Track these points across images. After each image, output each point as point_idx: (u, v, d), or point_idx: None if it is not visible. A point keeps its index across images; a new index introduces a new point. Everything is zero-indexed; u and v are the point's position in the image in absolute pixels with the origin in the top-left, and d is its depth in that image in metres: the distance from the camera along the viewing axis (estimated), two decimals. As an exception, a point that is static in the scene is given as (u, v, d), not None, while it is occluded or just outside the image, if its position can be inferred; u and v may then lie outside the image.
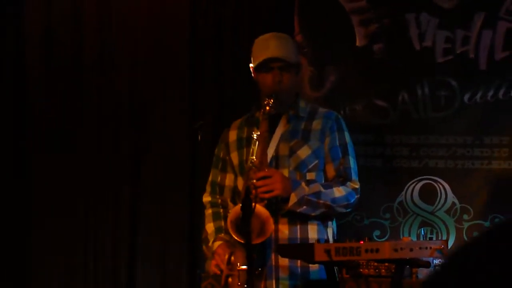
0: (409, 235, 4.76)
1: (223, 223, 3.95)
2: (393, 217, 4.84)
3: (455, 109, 4.83)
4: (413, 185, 4.85)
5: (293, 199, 3.71)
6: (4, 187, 5.25)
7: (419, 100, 4.86)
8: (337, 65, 4.92)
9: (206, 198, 4.09)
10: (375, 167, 4.86)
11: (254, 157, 3.68)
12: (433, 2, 4.85)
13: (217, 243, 3.84)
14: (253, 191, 3.60)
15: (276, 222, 3.73)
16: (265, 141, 3.74)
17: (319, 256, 3.37)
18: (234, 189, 4.02)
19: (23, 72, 5.31)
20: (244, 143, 3.98)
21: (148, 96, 5.23)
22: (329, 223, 3.93)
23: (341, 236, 3.89)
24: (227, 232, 3.79)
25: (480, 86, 4.80)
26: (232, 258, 3.65)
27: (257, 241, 3.57)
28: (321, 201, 3.76)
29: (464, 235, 4.76)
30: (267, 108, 3.73)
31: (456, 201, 4.80)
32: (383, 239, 4.75)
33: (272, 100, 3.73)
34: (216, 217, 4.00)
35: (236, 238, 3.59)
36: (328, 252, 3.37)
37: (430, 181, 4.84)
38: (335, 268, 3.60)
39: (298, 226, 3.82)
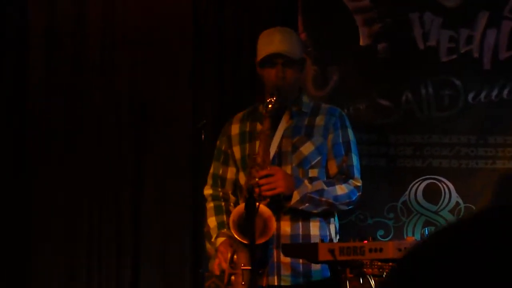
0: (413, 235, 4.75)
1: (225, 218, 3.95)
2: (397, 216, 4.83)
3: (459, 109, 4.83)
4: (417, 184, 4.84)
5: (295, 196, 3.72)
6: (5, 187, 5.24)
7: (423, 100, 4.85)
8: (340, 64, 4.92)
9: (208, 191, 4.08)
10: (379, 166, 4.85)
11: (256, 155, 3.68)
12: (436, 2, 4.84)
13: (220, 239, 3.84)
14: (256, 190, 3.60)
15: (278, 219, 3.74)
16: (267, 139, 3.75)
17: (323, 255, 3.37)
18: (236, 182, 4.02)
19: (24, 72, 5.30)
20: (247, 137, 3.98)
21: (150, 96, 5.23)
22: (331, 219, 3.93)
23: (345, 236, 3.89)
24: (229, 227, 3.79)
25: (484, 85, 4.80)
26: (235, 257, 3.65)
27: (259, 241, 3.57)
28: (323, 199, 3.77)
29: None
30: (270, 106, 3.73)
31: (460, 200, 4.80)
32: (387, 239, 4.74)
33: (274, 98, 3.73)
34: (218, 211, 3.99)
35: (238, 238, 3.59)
36: (332, 251, 3.37)
37: (434, 181, 4.83)
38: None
39: (300, 223, 3.83)
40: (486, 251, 0.95)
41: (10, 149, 5.26)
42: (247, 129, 4.00)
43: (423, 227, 4.81)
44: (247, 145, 3.96)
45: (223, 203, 4.02)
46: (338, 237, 3.95)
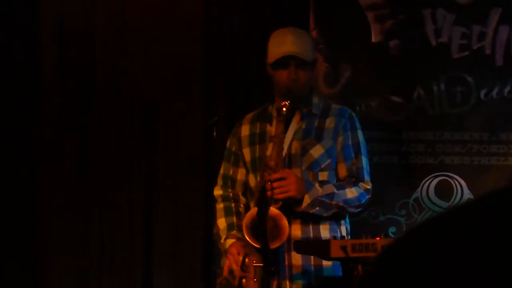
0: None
1: (235, 219, 3.94)
2: (409, 213, 4.83)
3: (471, 105, 4.81)
4: (429, 181, 4.83)
5: (306, 200, 3.71)
6: (16, 185, 5.25)
7: (434, 96, 4.84)
8: (352, 61, 4.91)
9: (218, 192, 4.07)
10: (391, 163, 4.84)
11: (269, 159, 3.67)
12: (449, -2, 4.83)
13: (230, 240, 3.82)
14: (269, 193, 3.59)
15: (288, 223, 3.72)
16: (280, 143, 3.72)
17: (335, 252, 3.37)
18: (246, 184, 4.01)
19: (35, 72, 5.31)
20: (257, 139, 3.96)
21: (161, 94, 5.23)
22: (342, 221, 3.92)
23: (357, 233, 3.89)
24: (239, 229, 3.78)
25: (496, 82, 4.78)
26: (247, 260, 3.64)
27: (273, 245, 3.56)
28: (334, 202, 3.77)
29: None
30: (284, 109, 3.71)
31: (472, 197, 4.79)
32: (399, 236, 4.73)
33: (288, 102, 3.71)
34: (227, 212, 3.98)
35: (252, 242, 3.58)
36: (344, 248, 3.37)
37: (446, 178, 4.82)
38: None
39: (311, 226, 3.82)
40: (478, 239, 0.95)
41: (21, 148, 5.27)
42: (257, 130, 3.98)
43: (435, 224, 4.79)
44: (257, 146, 3.94)
45: (233, 204, 4.00)
46: (349, 237, 3.93)
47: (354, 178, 3.88)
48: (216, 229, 3.97)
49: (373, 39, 4.90)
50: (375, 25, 4.90)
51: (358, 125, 3.96)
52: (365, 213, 4.79)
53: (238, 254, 3.70)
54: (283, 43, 3.84)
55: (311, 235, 3.81)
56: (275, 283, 3.69)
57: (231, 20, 5.18)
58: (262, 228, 3.42)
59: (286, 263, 3.76)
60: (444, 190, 4.80)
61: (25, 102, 5.29)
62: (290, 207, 3.73)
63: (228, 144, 4.10)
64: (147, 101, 5.24)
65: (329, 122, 3.91)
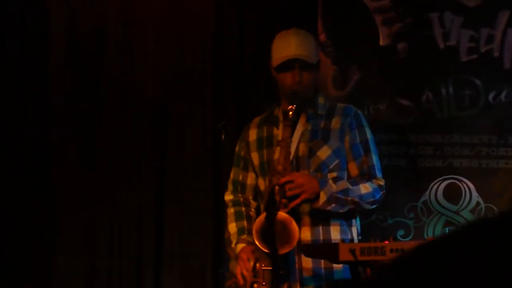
0: (433, 235, 4.75)
1: (245, 223, 3.93)
2: (417, 216, 4.83)
3: (480, 108, 4.82)
4: (437, 184, 4.83)
5: (322, 197, 3.68)
6: (28, 187, 5.27)
7: (443, 99, 4.84)
8: (360, 64, 4.91)
9: (228, 197, 4.07)
10: (399, 166, 4.84)
11: (277, 163, 3.66)
12: (457, 1, 4.83)
13: (240, 245, 3.81)
14: (277, 197, 3.58)
15: (298, 224, 3.71)
16: (287, 147, 3.71)
17: (344, 255, 3.37)
18: (256, 188, 4.01)
19: (46, 71, 5.33)
20: (265, 143, 3.95)
21: (171, 95, 5.24)
22: (353, 221, 3.89)
23: (366, 236, 3.88)
24: (250, 233, 3.77)
25: (504, 85, 4.79)
26: (257, 265, 3.63)
27: (283, 250, 3.55)
28: (349, 198, 3.73)
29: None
30: (290, 114, 3.69)
31: (481, 200, 4.79)
32: (407, 239, 4.73)
33: (295, 106, 3.70)
34: (238, 216, 3.98)
35: (262, 248, 3.57)
36: (353, 252, 3.37)
37: (454, 181, 4.82)
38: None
39: (321, 228, 3.79)
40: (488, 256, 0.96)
41: (33, 149, 5.29)
42: (264, 134, 3.97)
43: (444, 227, 4.80)
44: (265, 151, 3.93)
45: (243, 209, 4.00)
46: (360, 238, 3.92)
47: (367, 176, 3.85)
48: (227, 234, 3.96)
49: (381, 42, 4.91)
50: (383, 28, 4.90)
51: (364, 122, 3.93)
52: (374, 216, 4.79)
53: (248, 259, 3.69)
54: (287, 46, 3.82)
55: (321, 238, 3.79)
56: (285, 286, 3.68)
57: (241, 23, 5.19)
58: (271, 232, 3.42)
59: (297, 266, 3.75)
60: (452, 193, 4.81)
61: (34, 102, 5.30)
62: (300, 210, 3.72)
63: (237, 149, 4.10)
64: (156, 102, 5.25)
65: (335, 122, 3.88)
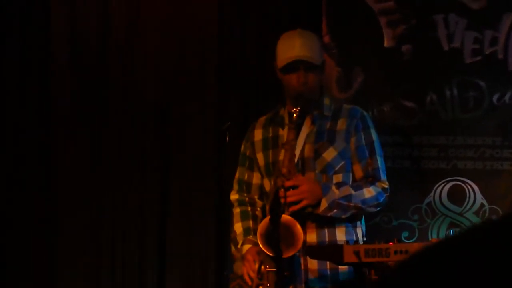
0: (438, 237, 4.74)
1: (251, 223, 3.93)
2: (422, 218, 4.83)
3: (484, 110, 4.82)
4: (442, 186, 4.83)
5: (323, 204, 3.68)
6: (28, 187, 5.28)
7: (447, 101, 4.84)
8: (364, 66, 4.91)
9: (234, 196, 4.07)
10: (403, 168, 4.84)
11: (281, 166, 3.66)
12: (461, 3, 4.83)
13: (246, 246, 3.81)
14: (282, 200, 3.57)
15: (304, 226, 3.71)
16: (292, 150, 3.71)
17: (348, 257, 3.37)
18: (262, 187, 4.01)
19: (49, 72, 5.33)
20: (270, 144, 3.95)
21: (175, 96, 5.25)
22: (358, 223, 3.89)
23: (370, 238, 3.88)
24: (255, 233, 3.77)
25: (509, 86, 4.79)
26: (262, 267, 3.63)
27: (288, 253, 3.55)
28: (352, 204, 3.73)
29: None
30: (294, 116, 3.69)
31: (485, 202, 4.79)
32: (411, 240, 4.74)
33: (299, 109, 3.69)
34: (244, 216, 3.97)
35: (266, 251, 3.57)
36: (357, 253, 3.37)
37: (458, 182, 4.82)
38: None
39: (326, 230, 3.79)
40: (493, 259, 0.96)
41: (35, 148, 5.30)
42: (270, 135, 3.97)
43: (448, 228, 4.80)
44: (270, 151, 3.93)
45: (249, 208, 4.00)
46: (365, 239, 3.92)
47: (371, 178, 3.85)
48: (233, 234, 3.96)
49: (386, 44, 4.91)
50: (387, 30, 4.90)
51: (370, 124, 3.93)
52: (378, 218, 4.79)
53: (254, 261, 3.69)
54: (291, 47, 3.81)
55: (327, 239, 3.79)
56: (291, 288, 3.68)
57: (245, 24, 5.19)
58: (275, 235, 3.42)
59: (302, 267, 3.75)
60: (456, 195, 4.81)
61: (35, 102, 5.30)
62: (305, 212, 3.72)
63: (242, 148, 4.10)
64: (158, 103, 5.26)
65: (341, 124, 3.88)
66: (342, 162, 3.85)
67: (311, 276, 3.76)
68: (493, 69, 4.82)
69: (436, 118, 4.85)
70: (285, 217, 3.57)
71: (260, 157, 3.97)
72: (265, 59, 4.90)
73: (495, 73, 4.81)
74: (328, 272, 3.77)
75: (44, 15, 5.34)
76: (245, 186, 4.03)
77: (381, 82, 4.89)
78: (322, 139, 3.85)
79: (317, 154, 3.83)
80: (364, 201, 3.76)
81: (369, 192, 3.78)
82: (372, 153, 3.87)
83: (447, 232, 4.78)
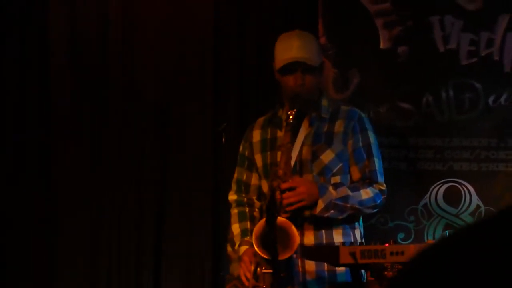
0: (434, 238, 4.75)
1: (248, 224, 3.93)
2: (418, 219, 4.84)
3: (480, 112, 4.82)
4: (438, 187, 4.84)
5: (320, 205, 3.67)
6: (28, 187, 5.28)
7: (443, 103, 4.85)
8: (361, 67, 4.92)
9: (232, 197, 4.05)
10: (399, 169, 4.85)
11: (278, 168, 3.65)
12: (457, 5, 4.83)
13: (243, 247, 3.80)
14: (278, 202, 3.57)
15: (301, 229, 3.71)
16: (288, 152, 3.70)
17: (344, 258, 3.37)
18: (260, 189, 4.00)
19: (48, 73, 5.33)
20: (268, 145, 3.94)
21: (173, 96, 5.25)
22: (356, 224, 3.88)
23: (366, 239, 3.89)
24: (253, 243, 3.76)
25: (504, 88, 4.79)
26: (258, 269, 3.63)
27: (283, 256, 3.54)
28: (349, 205, 3.73)
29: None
30: (290, 118, 3.68)
31: (481, 203, 4.80)
32: (407, 242, 4.74)
33: (295, 111, 3.68)
34: (241, 217, 3.96)
35: (261, 254, 3.56)
36: (353, 254, 3.37)
37: (454, 184, 4.83)
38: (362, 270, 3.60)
39: (324, 231, 3.78)
40: (495, 254, 0.97)
41: (35, 150, 5.30)
42: (268, 136, 3.95)
43: (444, 230, 4.81)
44: (268, 153, 3.92)
45: (247, 209, 3.99)
46: (363, 240, 3.92)
47: (368, 180, 3.85)
48: (230, 235, 3.95)
49: (382, 46, 4.91)
50: (383, 31, 4.91)
51: (368, 126, 3.92)
52: (374, 219, 4.80)
53: (251, 262, 3.69)
54: (289, 49, 3.80)
55: (324, 241, 3.78)
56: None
57: (241, 24, 5.19)
58: (271, 237, 3.41)
59: (300, 269, 3.74)
60: (452, 196, 4.82)
61: (35, 102, 5.31)
62: (303, 214, 3.71)
63: (241, 149, 4.08)
64: (157, 103, 5.26)
65: (338, 126, 3.86)
66: (340, 164, 3.84)
67: (308, 277, 3.76)
68: (489, 71, 4.82)
69: (432, 119, 4.85)
70: (280, 219, 3.57)
71: (258, 158, 3.96)
72: (262, 59, 4.91)
73: (491, 75, 4.82)
74: (326, 273, 3.77)
75: (44, 15, 5.33)
76: (243, 187, 4.02)
77: (377, 84, 4.89)
78: (320, 141, 3.84)
79: (315, 156, 3.82)
80: (361, 202, 3.75)
81: (366, 194, 3.78)
82: (370, 155, 3.86)
83: (443, 234, 4.79)
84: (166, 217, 5.21)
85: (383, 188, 3.85)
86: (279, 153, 3.74)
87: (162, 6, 5.28)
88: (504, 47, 4.82)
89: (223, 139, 4.21)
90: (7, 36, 5.34)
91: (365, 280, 3.64)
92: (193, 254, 5.15)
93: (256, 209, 3.99)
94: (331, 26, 4.95)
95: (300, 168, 3.80)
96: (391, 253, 3.38)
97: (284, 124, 3.78)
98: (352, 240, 3.80)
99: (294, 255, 3.65)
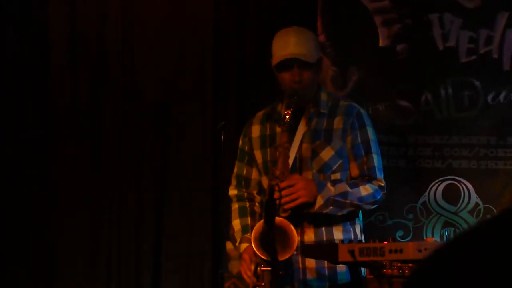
0: (432, 236, 4.74)
1: (249, 220, 3.91)
2: (416, 217, 4.83)
3: (479, 109, 4.82)
4: (436, 185, 4.84)
5: (319, 201, 3.65)
6: (28, 187, 5.28)
7: (442, 100, 4.85)
8: (360, 65, 4.92)
9: (232, 192, 4.03)
10: (398, 167, 4.85)
11: (275, 168, 3.64)
12: (456, 2, 4.83)
13: (244, 245, 3.78)
14: (277, 201, 3.56)
15: (301, 227, 3.70)
16: (285, 152, 3.68)
17: (343, 256, 3.37)
18: (260, 183, 3.98)
19: (47, 75, 5.34)
20: (268, 141, 3.92)
21: (172, 95, 5.25)
22: (356, 220, 3.86)
23: (365, 237, 3.89)
24: (252, 244, 3.75)
25: (503, 86, 4.79)
26: (259, 269, 3.62)
27: (283, 256, 3.53)
28: (348, 201, 3.70)
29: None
30: (287, 118, 3.66)
31: (480, 201, 4.79)
32: (406, 240, 4.74)
33: (291, 111, 3.66)
34: (242, 213, 3.94)
35: (260, 255, 3.55)
36: (352, 252, 3.36)
37: (453, 182, 4.83)
38: (362, 268, 3.60)
39: (323, 228, 3.77)
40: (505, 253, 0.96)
41: (33, 150, 5.30)
42: (267, 132, 3.93)
43: (443, 228, 4.80)
44: (268, 150, 3.91)
45: (247, 204, 3.97)
46: (363, 235, 3.91)
47: (367, 177, 3.83)
48: (231, 231, 3.93)
49: (381, 43, 4.91)
50: (382, 29, 4.91)
51: (367, 122, 3.88)
52: (373, 217, 4.80)
53: (251, 261, 3.67)
54: (286, 45, 3.76)
55: (324, 238, 3.77)
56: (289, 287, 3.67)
57: (242, 25, 5.19)
58: (270, 237, 3.40)
59: (300, 266, 3.73)
60: (451, 194, 4.81)
61: (34, 102, 5.31)
62: (302, 212, 3.70)
63: (240, 143, 4.06)
64: (156, 102, 5.26)
65: (337, 122, 3.84)
66: (340, 161, 3.82)
67: (309, 274, 3.74)
68: (488, 69, 4.82)
69: (431, 117, 4.85)
70: (279, 219, 3.55)
71: (258, 154, 3.94)
72: (261, 58, 4.91)
73: (490, 73, 4.82)
74: (326, 270, 3.76)
75: (44, 15, 5.34)
76: (243, 182, 4.00)
77: (376, 82, 4.89)
78: (319, 138, 3.82)
79: (314, 153, 3.80)
80: (360, 199, 3.74)
81: (365, 190, 3.76)
82: (368, 151, 3.84)
83: (442, 232, 4.79)
84: (166, 217, 5.21)
85: (383, 184, 3.82)
86: (277, 153, 3.72)
87: (162, 6, 5.29)
88: (503, 45, 4.81)
89: (222, 137, 4.19)
90: (7, 35, 5.34)
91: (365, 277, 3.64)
92: (193, 254, 5.16)
93: (257, 204, 3.97)
94: (330, 24, 4.95)
95: (300, 166, 3.78)
96: (390, 251, 3.37)
97: (282, 124, 3.76)
98: (352, 236, 3.79)
99: (295, 252, 3.64)
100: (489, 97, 4.80)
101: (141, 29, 5.31)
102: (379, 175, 3.83)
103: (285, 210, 3.60)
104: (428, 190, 4.83)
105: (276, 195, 3.52)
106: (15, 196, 5.25)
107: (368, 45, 4.91)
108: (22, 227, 5.24)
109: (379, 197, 3.79)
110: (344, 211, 3.74)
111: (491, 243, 0.98)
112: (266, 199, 3.56)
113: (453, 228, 4.80)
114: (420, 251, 3.33)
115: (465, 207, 4.81)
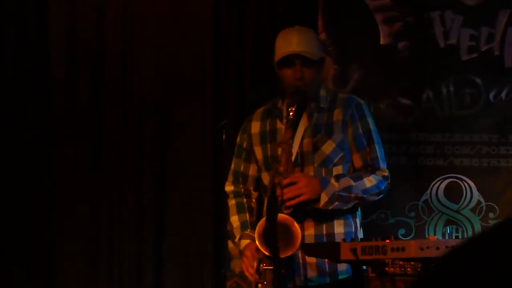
0: (435, 234, 4.74)
1: (247, 216, 3.90)
2: (418, 215, 4.83)
3: (480, 107, 4.82)
4: (438, 183, 4.83)
5: (324, 198, 3.65)
6: (28, 187, 5.27)
7: (443, 98, 4.84)
8: (361, 63, 4.91)
9: (229, 188, 4.03)
10: (400, 165, 4.84)
11: (278, 165, 3.64)
12: (457, 0, 4.83)
13: (244, 241, 3.78)
14: (279, 198, 3.55)
15: (302, 221, 3.70)
16: (289, 148, 3.68)
17: (345, 255, 3.36)
18: (258, 179, 3.98)
19: (46, 76, 5.33)
20: (268, 137, 3.92)
21: (172, 95, 5.25)
22: (356, 213, 3.87)
23: (367, 235, 3.87)
24: (252, 227, 3.75)
25: (505, 83, 4.79)
26: (261, 266, 3.61)
27: (286, 253, 3.52)
28: (353, 195, 3.70)
29: (490, 233, 4.73)
30: (291, 115, 3.67)
31: (482, 199, 4.79)
32: (408, 238, 4.73)
33: (294, 108, 3.67)
34: (240, 209, 3.94)
35: (264, 251, 3.54)
36: (354, 251, 3.35)
37: (455, 179, 4.82)
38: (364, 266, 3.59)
39: (324, 222, 3.77)
40: None
41: (33, 147, 5.30)
42: (268, 128, 3.94)
43: (445, 226, 4.80)
44: (268, 145, 3.91)
45: (244, 200, 3.97)
46: (361, 230, 3.90)
47: (370, 168, 3.83)
48: (229, 227, 3.92)
49: (382, 41, 4.91)
50: (383, 27, 4.90)
51: (367, 112, 3.88)
52: (375, 215, 4.79)
53: (253, 258, 3.67)
54: (288, 42, 3.79)
55: (324, 232, 3.77)
56: (290, 286, 3.66)
57: (241, 22, 5.19)
58: (273, 234, 3.39)
59: (301, 261, 3.73)
60: (453, 192, 4.81)
61: (34, 102, 5.31)
62: (303, 208, 3.69)
63: (238, 139, 4.06)
64: (157, 102, 5.26)
65: (337, 115, 3.84)
66: (341, 154, 3.82)
67: (309, 270, 3.74)
68: (489, 66, 4.82)
69: (432, 115, 4.85)
70: (283, 216, 3.55)
71: (258, 150, 3.94)
72: (261, 57, 4.90)
73: (492, 70, 4.82)
74: (327, 266, 3.75)
75: (44, 15, 5.33)
76: (241, 178, 4.00)
77: (377, 79, 4.89)
78: (320, 132, 3.82)
79: (316, 147, 3.81)
80: (365, 191, 3.73)
81: (369, 181, 3.75)
82: (370, 141, 3.84)
83: (444, 230, 4.78)
84: (166, 217, 5.21)
85: (386, 174, 3.82)
86: (279, 150, 3.72)
87: (162, 6, 5.28)
88: (504, 42, 4.81)
89: (224, 136, 4.19)
90: (7, 35, 5.33)
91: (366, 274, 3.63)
92: (193, 254, 5.15)
93: (254, 200, 3.97)
94: (331, 22, 4.95)
95: (302, 161, 3.78)
96: (392, 249, 3.36)
97: (285, 120, 3.76)
98: (353, 229, 3.79)
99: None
100: (491, 95, 4.80)
101: (141, 29, 5.30)
102: (382, 165, 3.83)
103: (287, 207, 3.60)
104: (430, 188, 4.83)
105: (278, 192, 3.52)
106: (15, 196, 5.24)
107: (369, 43, 4.91)
108: (22, 227, 5.23)
109: (383, 187, 3.78)
110: (350, 205, 3.74)
111: (501, 249, 0.97)
112: (268, 196, 3.55)
113: (455, 226, 4.79)
114: (422, 249, 3.32)
115: (467, 205, 4.80)
